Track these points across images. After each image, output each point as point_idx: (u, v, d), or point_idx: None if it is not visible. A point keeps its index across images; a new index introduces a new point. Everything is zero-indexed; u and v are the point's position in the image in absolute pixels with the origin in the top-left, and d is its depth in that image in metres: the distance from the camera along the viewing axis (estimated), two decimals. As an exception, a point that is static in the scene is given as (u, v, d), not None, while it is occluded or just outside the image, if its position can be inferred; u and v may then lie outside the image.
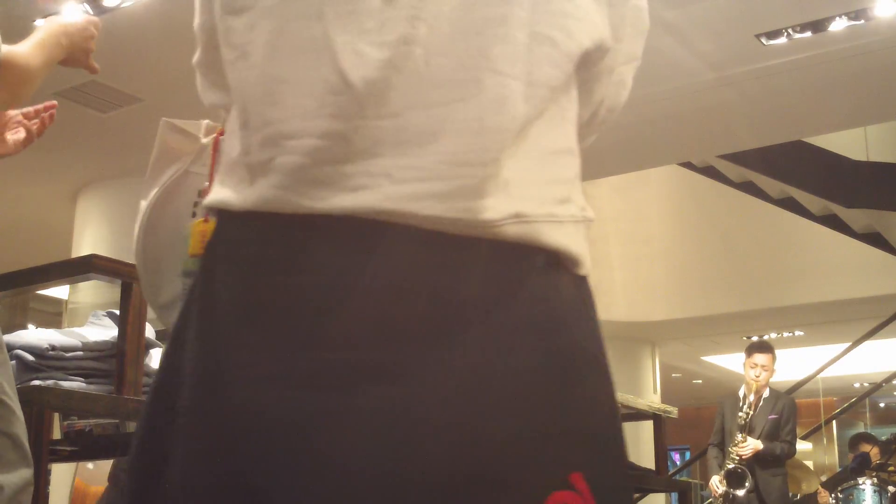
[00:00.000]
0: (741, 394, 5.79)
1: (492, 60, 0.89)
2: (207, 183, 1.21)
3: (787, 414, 5.66)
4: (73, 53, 1.74)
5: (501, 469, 0.83)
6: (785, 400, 5.77)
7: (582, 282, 0.95)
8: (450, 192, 0.87)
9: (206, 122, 1.27)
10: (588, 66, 0.98)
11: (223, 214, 0.98)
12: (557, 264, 0.92)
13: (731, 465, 5.56)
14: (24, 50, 1.61)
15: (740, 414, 5.65)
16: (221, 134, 1.21)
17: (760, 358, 5.72)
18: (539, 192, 0.91)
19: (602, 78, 1.00)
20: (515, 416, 0.85)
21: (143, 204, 1.27)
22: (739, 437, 5.58)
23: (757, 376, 5.69)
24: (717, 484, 5.63)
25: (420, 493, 0.82)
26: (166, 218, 1.27)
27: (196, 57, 1.14)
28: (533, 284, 0.89)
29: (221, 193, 0.98)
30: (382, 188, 0.87)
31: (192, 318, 0.97)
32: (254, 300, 0.92)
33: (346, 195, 0.88)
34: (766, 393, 5.74)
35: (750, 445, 5.54)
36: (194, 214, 1.24)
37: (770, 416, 5.64)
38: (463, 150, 0.88)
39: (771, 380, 5.81)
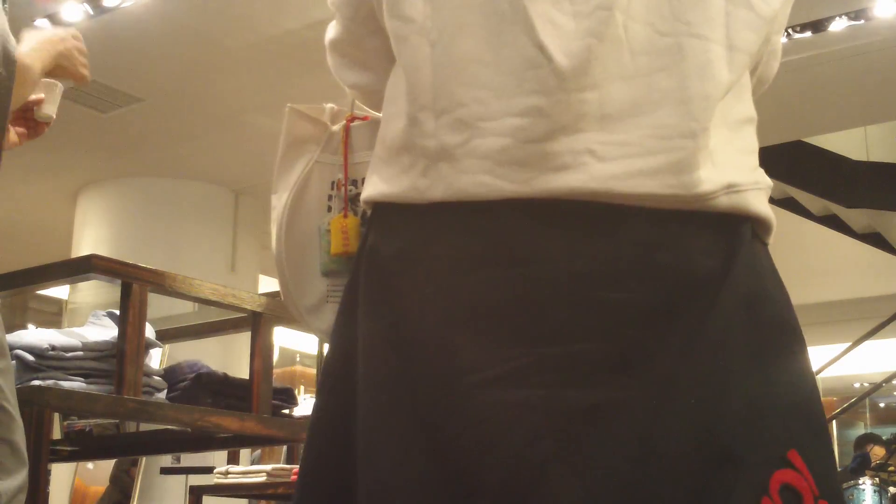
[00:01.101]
0: None
1: (691, 24, 0.85)
2: (341, 175, 1.12)
3: None
4: (61, 63, 1.74)
5: (733, 446, 0.81)
6: None
7: (768, 251, 0.94)
8: (660, 167, 0.82)
9: (331, 105, 1.16)
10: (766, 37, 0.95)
11: (391, 208, 0.91)
12: (756, 233, 0.90)
13: None
14: (25, 52, 1.62)
15: None
16: (352, 120, 1.12)
17: None
18: (739, 161, 0.88)
19: (774, 54, 1.00)
20: (739, 393, 0.83)
21: (277, 201, 1.15)
22: None
23: None
24: None
25: (669, 474, 0.80)
26: (302, 215, 1.14)
27: (334, 34, 1.04)
28: (743, 255, 0.87)
29: (387, 186, 0.91)
30: (588, 167, 0.82)
31: (366, 321, 0.90)
32: (463, 299, 0.85)
33: (550, 176, 0.82)
34: None
35: None
36: (329, 209, 1.13)
37: None
38: (670, 121, 0.83)
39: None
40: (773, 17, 0.91)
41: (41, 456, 2.02)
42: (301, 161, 1.14)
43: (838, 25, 4.65)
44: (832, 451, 0.91)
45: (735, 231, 0.86)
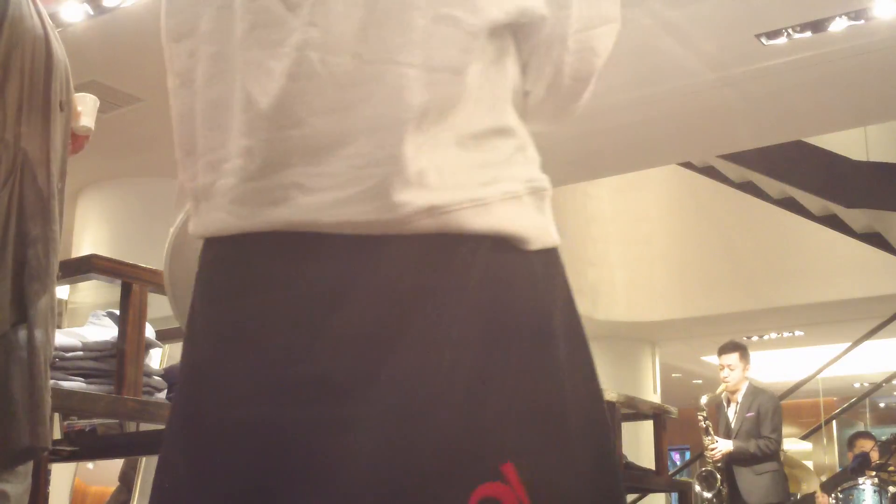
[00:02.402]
0: (720, 395, 5.85)
1: (392, 52, 0.87)
2: None
3: (765, 410, 5.64)
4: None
5: (434, 465, 0.82)
6: (763, 397, 5.75)
7: (534, 257, 0.92)
8: (355, 195, 0.86)
9: None
10: (525, 38, 0.95)
11: (197, 242, 1.01)
12: (493, 246, 0.89)
13: (702, 469, 5.63)
14: None
15: (699, 416, 5.72)
16: None
17: (727, 358, 5.77)
18: (460, 178, 0.88)
19: (550, 48, 0.95)
20: (456, 407, 0.83)
21: (171, 230, 1.29)
22: (707, 440, 5.64)
23: (725, 377, 5.74)
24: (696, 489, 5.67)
25: (380, 492, 0.81)
26: (189, 242, 1.29)
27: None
28: (460, 274, 0.87)
29: (191, 223, 1.00)
30: (296, 200, 0.88)
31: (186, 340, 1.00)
32: (218, 323, 0.94)
33: (266, 210, 0.89)
34: (743, 389, 5.75)
35: (719, 448, 5.58)
36: None
37: (747, 415, 5.65)
38: (364, 150, 0.86)
39: (772, 379, 5.81)
40: (488, 27, 0.89)
41: (41, 456, 2.02)
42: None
43: (838, 25, 4.65)
44: (572, 464, 0.87)
45: (446, 252, 0.87)
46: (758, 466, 5.55)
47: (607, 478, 0.92)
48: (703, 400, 5.83)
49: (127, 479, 5.14)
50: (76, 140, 1.79)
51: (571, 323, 0.95)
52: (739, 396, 5.73)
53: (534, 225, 0.92)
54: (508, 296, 0.89)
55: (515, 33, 0.94)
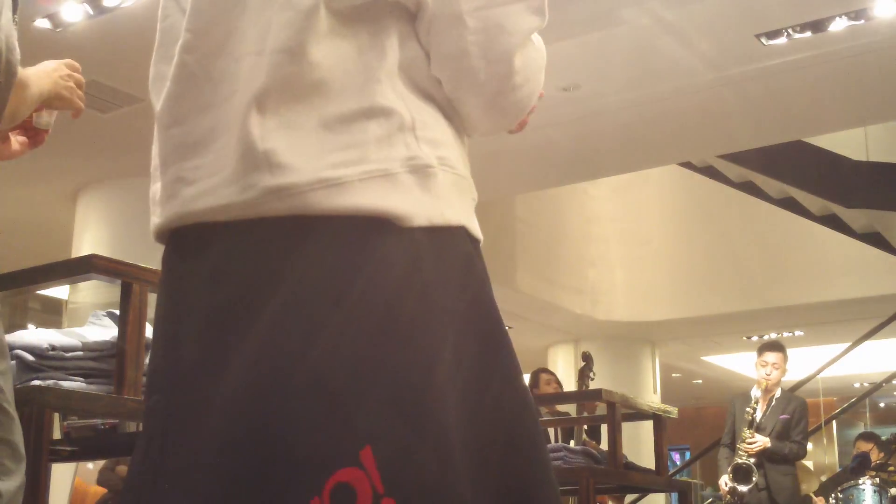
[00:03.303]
0: (753, 393, 5.79)
1: (250, 43, 0.92)
2: None
3: (799, 415, 5.66)
4: (59, 93, 1.77)
5: (296, 446, 0.82)
6: (797, 402, 5.76)
7: (419, 235, 0.90)
8: (220, 181, 0.91)
9: None
10: (411, 19, 0.94)
11: None
12: (369, 225, 0.88)
13: (738, 460, 5.56)
14: (27, 72, 1.66)
15: (747, 409, 5.66)
16: None
17: (771, 356, 5.73)
18: (314, 160, 0.88)
19: (447, 28, 0.93)
20: (310, 391, 0.83)
21: None
22: (747, 432, 5.58)
23: (768, 374, 5.69)
24: (724, 482, 5.63)
25: (227, 477, 0.84)
26: None
27: None
28: (318, 255, 0.87)
29: None
30: (180, 193, 0.96)
31: None
32: (159, 307, 1.02)
33: (165, 206, 0.98)
34: (777, 393, 5.74)
35: (759, 441, 5.54)
36: None
37: (781, 417, 5.64)
38: (227, 139, 0.92)
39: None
40: (312, 7, 0.90)
41: (41, 456, 2.02)
42: None
43: (838, 25, 4.65)
44: (437, 448, 0.85)
45: (301, 233, 0.88)
46: (783, 468, 5.57)
47: (515, 459, 0.89)
48: (755, 392, 5.74)
49: (107, 482, 5.12)
50: (37, 135, 1.77)
51: (480, 304, 0.93)
52: (774, 398, 5.71)
53: (414, 202, 0.90)
54: (378, 276, 0.87)
55: (399, 16, 0.94)
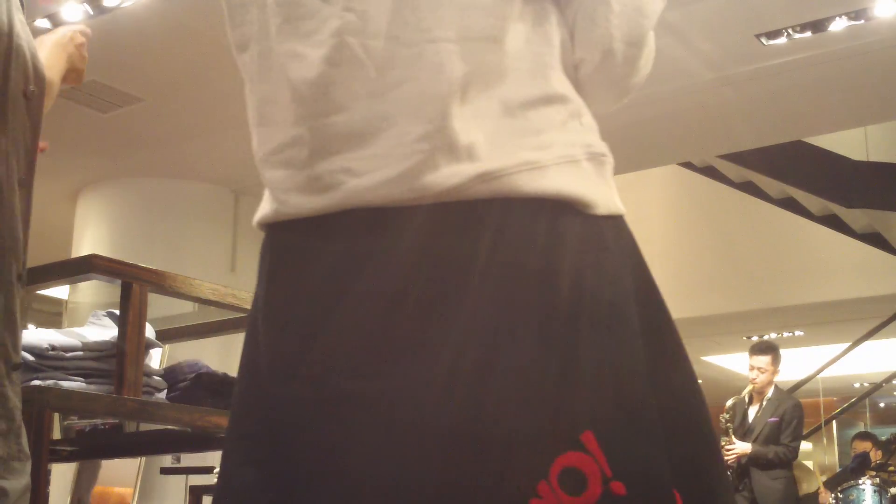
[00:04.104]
0: (744, 395, 5.80)
1: (427, 30, 0.88)
2: None
3: (790, 417, 5.64)
4: (74, 66, 1.77)
5: (508, 432, 0.81)
6: (789, 403, 5.74)
7: (600, 222, 0.92)
8: (402, 173, 0.86)
9: None
10: (565, 2, 0.95)
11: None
12: (555, 209, 0.88)
13: None
14: (46, 66, 1.65)
15: (722, 417, 5.69)
16: None
17: (758, 360, 5.72)
18: (510, 144, 0.88)
19: (595, 11, 0.94)
20: (522, 375, 0.83)
21: None
22: (724, 440, 5.60)
23: (754, 378, 5.70)
24: None
25: (435, 461, 0.81)
26: None
27: None
28: (525, 235, 0.87)
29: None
30: (345, 185, 0.89)
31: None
32: (270, 307, 0.96)
33: (317, 197, 0.91)
34: (769, 393, 5.73)
35: (736, 449, 5.56)
36: None
37: (770, 420, 5.63)
38: (410, 128, 0.87)
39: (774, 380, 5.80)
40: None
41: (41, 456, 2.02)
42: None
43: (838, 25, 4.65)
44: (649, 432, 0.85)
45: (506, 213, 0.87)
46: (773, 472, 5.56)
47: (698, 446, 0.90)
48: (729, 403, 5.79)
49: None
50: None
51: (647, 288, 0.94)
52: (765, 399, 5.71)
53: (595, 190, 0.92)
54: (577, 259, 0.88)
55: None
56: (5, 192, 1.51)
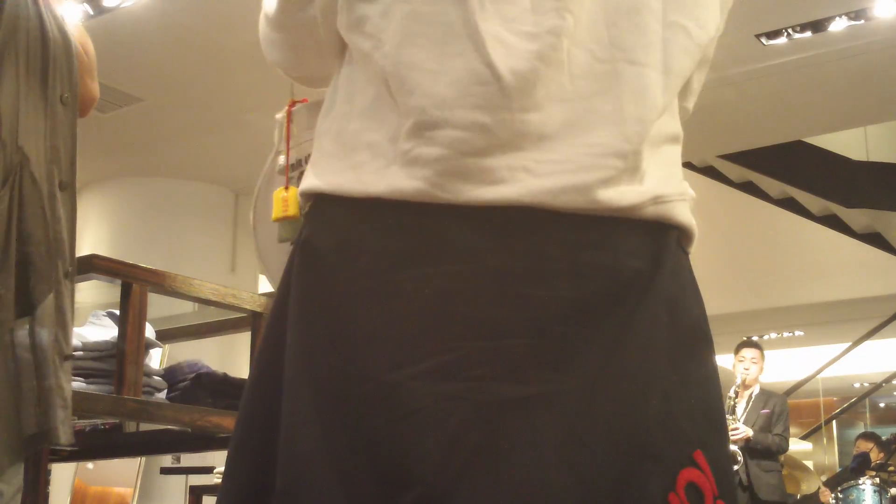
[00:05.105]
0: (731, 392, 5.82)
1: (627, 51, 0.89)
2: (283, 159, 1.21)
3: (779, 410, 5.67)
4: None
5: (650, 443, 0.85)
6: (776, 398, 5.78)
7: (687, 258, 0.99)
8: (589, 183, 0.86)
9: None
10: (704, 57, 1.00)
11: (330, 202, 0.94)
12: (679, 241, 0.95)
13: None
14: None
15: (728, 396, 5.68)
16: (293, 104, 1.22)
17: (748, 352, 5.76)
18: (666, 174, 0.93)
19: (705, 65, 1.01)
20: (658, 393, 0.87)
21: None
22: (730, 419, 5.60)
23: (746, 369, 5.72)
24: None
25: (593, 467, 0.83)
26: (269, 202, 1.24)
27: (269, 7, 1.07)
28: (668, 261, 0.91)
29: (332, 178, 0.94)
30: (522, 182, 0.86)
31: (305, 302, 0.92)
32: (393, 293, 0.87)
33: (486, 188, 0.86)
34: (756, 390, 5.76)
35: (741, 431, 5.56)
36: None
37: (762, 411, 5.65)
38: (604, 141, 0.87)
39: (772, 379, 5.81)
40: (708, 42, 0.96)
41: (41, 456, 2.02)
42: (269, 158, 1.26)
43: (838, 25, 4.65)
44: (729, 453, 0.96)
45: (661, 238, 0.91)
46: (764, 463, 5.57)
47: (730, 475, 0.97)
48: (732, 391, 5.80)
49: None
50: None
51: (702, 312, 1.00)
52: (752, 395, 5.73)
53: (694, 228, 0.98)
54: (689, 291, 0.96)
55: None
56: (46, 197, 1.58)
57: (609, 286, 0.86)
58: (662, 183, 0.91)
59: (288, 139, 1.22)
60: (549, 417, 0.83)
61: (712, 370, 0.94)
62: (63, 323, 1.60)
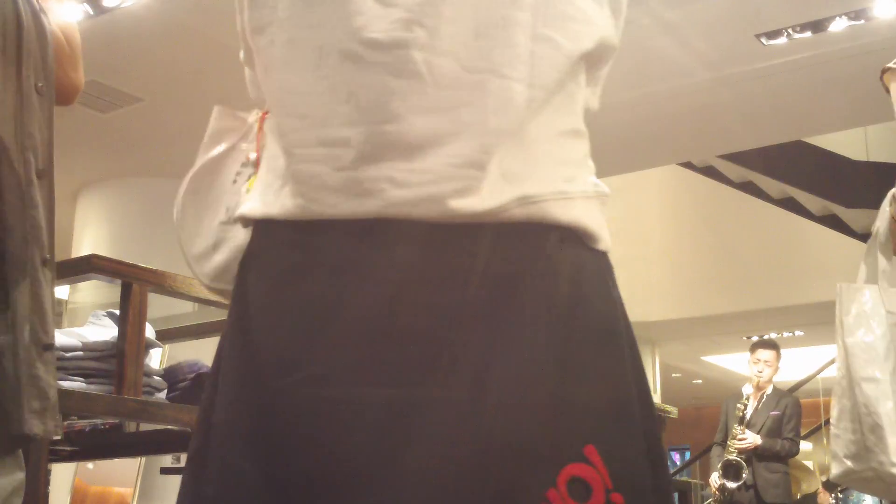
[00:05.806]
0: (744, 390, 5.80)
1: (494, 63, 0.91)
2: (254, 154, 1.31)
3: (791, 412, 5.66)
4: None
5: (531, 442, 0.87)
6: (788, 399, 5.77)
7: (601, 256, 0.98)
8: (447, 193, 0.89)
9: (257, 110, 1.35)
10: (598, 64, 1.02)
11: (250, 222, 1.02)
12: (574, 240, 0.94)
13: (728, 457, 5.57)
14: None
15: (738, 406, 5.67)
16: (267, 114, 1.28)
17: (763, 353, 5.74)
18: (546, 173, 0.93)
19: (609, 53, 1.03)
20: (542, 392, 0.88)
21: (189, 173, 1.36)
22: (738, 429, 5.59)
23: (760, 372, 5.71)
24: (714, 479, 5.64)
25: (474, 470, 0.85)
26: (208, 179, 1.37)
27: (241, 55, 1.18)
28: (548, 260, 0.92)
29: (251, 204, 1.02)
30: (385, 193, 0.90)
31: (232, 318, 1.01)
32: (283, 305, 0.94)
33: (355, 201, 0.91)
34: (769, 390, 5.75)
35: (749, 439, 5.55)
36: (235, 182, 1.34)
37: (772, 413, 5.65)
38: (464, 152, 0.89)
39: (772, 379, 5.81)
40: (580, 54, 0.96)
41: (41, 456, 2.02)
42: (218, 147, 1.38)
43: (838, 25, 4.65)
44: (644, 450, 0.93)
45: (535, 239, 0.92)
46: (772, 465, 5.57)
47: (659, 468, 0.97)
48: (746, 389, 5.78)
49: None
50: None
51: (627, 322, 1.00)
52: (764, 395, 5.72)
53: (601, 227, 0.98)
54: (587, 288, 0.95)
55: (593, 59, 1.00)
56: (24, 184, 1.57)
57: (479, 291, 0.89)
58: (539, 183, 0.92)
59: (258, 142, 1.31)
60: (433, 422, 0.86)
61: (618, 368, 0.94)
62: (41, 311, 1.57)
